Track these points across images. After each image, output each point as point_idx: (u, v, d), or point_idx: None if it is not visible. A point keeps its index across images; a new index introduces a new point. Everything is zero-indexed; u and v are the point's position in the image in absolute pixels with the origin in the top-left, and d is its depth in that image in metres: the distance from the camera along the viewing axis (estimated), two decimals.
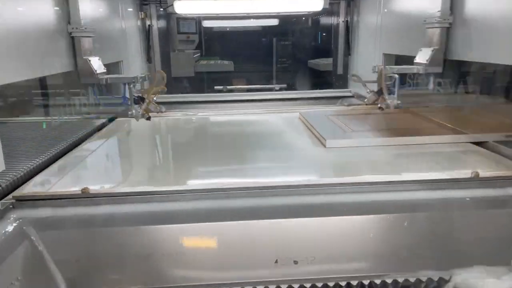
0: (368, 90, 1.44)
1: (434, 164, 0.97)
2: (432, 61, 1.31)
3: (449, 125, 1.22)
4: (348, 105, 1.81)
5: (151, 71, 2.06)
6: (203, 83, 3.55)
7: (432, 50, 1.30)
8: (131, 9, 1.97)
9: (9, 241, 0.70)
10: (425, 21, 1.34)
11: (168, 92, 2.42)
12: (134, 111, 1.29)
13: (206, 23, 3.74)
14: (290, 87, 3.65)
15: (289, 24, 3.94)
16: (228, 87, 2.51)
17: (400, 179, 0.85)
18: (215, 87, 2.57)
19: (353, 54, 2.35)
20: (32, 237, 0.71)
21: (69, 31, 1.31)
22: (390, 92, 1.33)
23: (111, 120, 1.48)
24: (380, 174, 0.90)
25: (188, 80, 3.20)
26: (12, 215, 0.76)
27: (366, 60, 2.10)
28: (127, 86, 1.33)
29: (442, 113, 1.43)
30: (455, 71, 1.50)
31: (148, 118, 1.34)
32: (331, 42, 2.60)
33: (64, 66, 1.29)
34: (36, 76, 1.16)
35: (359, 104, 1.82)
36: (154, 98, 1.35)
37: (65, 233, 0.74)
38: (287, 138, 1.24)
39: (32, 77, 1.11)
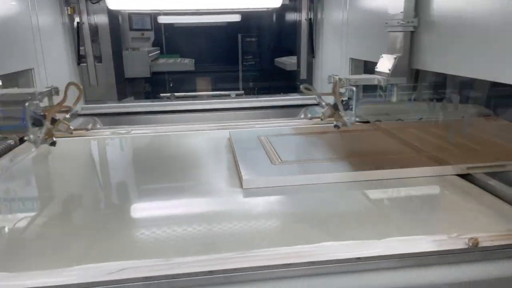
0: (323, 103, 1.25)
1: (402, 222, 0.70)
2: (395, 70, 1.13)
3: (424, 148, 1.04)
4: (310, 118, 1.61)
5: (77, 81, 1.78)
6: (160, 84, 3.34)
7: (395, 58, 1.12)
8: (49, 3, 1.67)
9: None
10: (386, 23, 1.15)
11: (121, 96, 2.25)
12: (31, 136, 1.03)
13: (164, 19, 3.52)
14: (251, 91, 3.49)
15: (253, 19, 3.76)
16: (176, 94, 2.29)
17: (351, 253, 0.58)
18: (161, 94, 2.39)
19: (318, 57, 2.15)
20: None
21: None
22: (348, 107, 1.14)
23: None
24: (312, 243, 0.60)
25: (144, 81, 3.00)
26: None
27: (332, 64, 1.91)
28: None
29: (416, 129, 1.25)
30: (429, 80, 1.35)
31: (53, 143, 1.08)
32: (295, 40, 2.42)
33: None
34: None
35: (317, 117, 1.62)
36: (67, 116, 1.09)
37: None
38: (202, 171, 1.02)
39: None
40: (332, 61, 1.92)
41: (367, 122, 1.41)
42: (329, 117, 1.22)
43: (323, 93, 1.23)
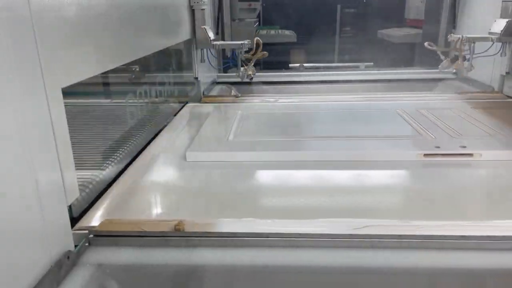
0: (442, 57, 1.72)
1: None
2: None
3: None
4: (461, 93, 1.80)
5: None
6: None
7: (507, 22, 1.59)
8: None
9: None
10: None
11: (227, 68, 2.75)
12: (241, 72, 1.87)
13: None
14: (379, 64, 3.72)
15: None
16: (305, 65, 2.62)
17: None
18: (289, 65, 2.69)
19: (460, 27, 2.20)
20: None
21: (191, 4, 1.79)
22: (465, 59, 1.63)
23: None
24: None
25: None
26: (89, 261, 0.74)
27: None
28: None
29: None
30: None
31: (251, 79, 1.89)
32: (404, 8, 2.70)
33: (187, 34, 1.77)
34: (171, 45, 1.54)
35: (475, 92, 1.82)
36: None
37: None
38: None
39: (168, 45, 1.50)
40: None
41: None
42: (446, 68, 1.69)
43: (444, 49, 1.70)
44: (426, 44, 1.75)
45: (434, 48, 1.77)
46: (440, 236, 0.75)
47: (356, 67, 2.58)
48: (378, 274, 0.71)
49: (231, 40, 3.14)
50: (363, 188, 1.02)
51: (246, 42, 1.85)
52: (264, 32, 3.80)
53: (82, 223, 0.84)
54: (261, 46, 1.82)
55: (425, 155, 1.14)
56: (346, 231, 0.77)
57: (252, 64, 1.88)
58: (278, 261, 0.74)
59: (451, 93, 1.82)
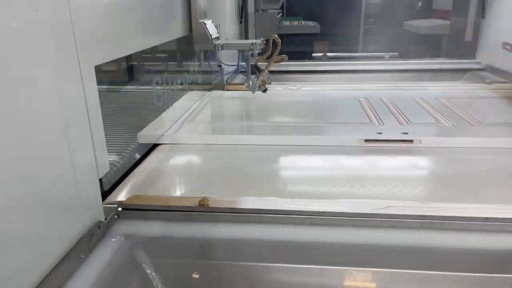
0: None
1: None
2: None
3: None
4: (489, 82, 1.76)
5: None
6: (287, 46, 3.84)
7: None
8: None
9: (120, 273, 0.72)
10: None
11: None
12: (251, 82, 1.42)
13: None
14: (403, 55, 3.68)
15: None
16: (328, 54, 2.64)
17: None
18: (313, 54, 2.73)
19: (489, 17, 2.17)
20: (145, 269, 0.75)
21: None
22: None
23: None
24: None
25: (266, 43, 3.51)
26: (118, 232, 0.78)
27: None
28: (241, 53, 1.48)
29: None
30: None
31: (265, 90, 1.47)
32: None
33: (181, 30, 1.39)
34: (157, 44, 1.23)
35: (502, 82, 1.78)
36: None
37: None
38: None
39: (155, 44, 1.20)
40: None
41: None
42: None
43: None
44: (503, 44, 1.48)
45: None
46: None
47: (381, 57, 2.58)
48: (397, 252, 0.74)
49: (254, 31, 3.21)
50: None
51: (259, 41, 1.43)
52: (287, 23, 3.82)
53: (112, 197, 0.89)
54: (279, 47, 1.37)
55: (366, 140, 1.19)
56: (369, 211, 0.80)
57: (267, 71, 1.44)
58: (293, 237, 0.78)
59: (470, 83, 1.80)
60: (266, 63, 1.46)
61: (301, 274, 0.76)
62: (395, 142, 1.18)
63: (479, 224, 0.77)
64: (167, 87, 1.40)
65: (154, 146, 1.21)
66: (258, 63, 1.53)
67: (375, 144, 1.18)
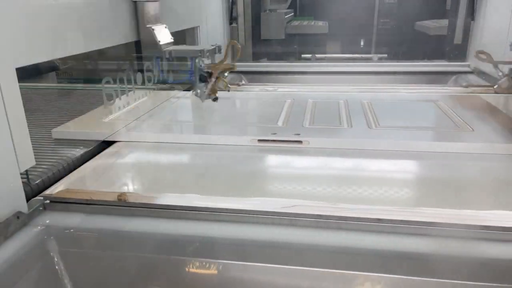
0: (499, 73, 1.41)
1: None
2: None
3: None
4: (466, 86, 1.72)
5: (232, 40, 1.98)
6: (292, 46, 3.85)
7: None
8: None
9: (27, 260, 0.77)
10: None
11: (255, 57, 2.80)
12: (199, 91, 1.38)
13: None
14: (392, 56, 3.69)
15: None
16: (317, 55, 2.66)
17: None
18: (302, 55, 2.77)
19: (479, 19, 2.18)
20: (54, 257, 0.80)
21: None
22: None
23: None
24: None
25: (277, 43, 3.55)
26: (38, 223, 0.85)
27: (499, 29, 1.89)
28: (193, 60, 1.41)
29: None
30: None
31: (215, 99, 1.39)
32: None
33: (127, 36, 1.40)
34: (95, 48, 1.24)
35: (480, 86, 1.73)
36: (225, 74, 1.40)
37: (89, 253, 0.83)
38: None
39: (93, 49, 1.21)
40: (499, 25, 1.91)
41: None
42: (507, 89, 1.36)
43: (503, 62, 1.39)
44: (475, 53, 1.33)
45: (489, 60, 1.40)
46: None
47: (369, 59, 2.57)
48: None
49: (261, 30, 3.22)
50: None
51: (208, 48, 1.40)
52: (296, 23, 3.82)
53: (50, 191, 0.95)
54: (239, 52, 1.38)
55: (259, 140, 1.23)
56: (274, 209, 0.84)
57: (215, 79, 1.34)
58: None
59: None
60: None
61: (203, 268, 0.80)
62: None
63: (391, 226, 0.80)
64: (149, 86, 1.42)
65: (111, 143, 1.28)
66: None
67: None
